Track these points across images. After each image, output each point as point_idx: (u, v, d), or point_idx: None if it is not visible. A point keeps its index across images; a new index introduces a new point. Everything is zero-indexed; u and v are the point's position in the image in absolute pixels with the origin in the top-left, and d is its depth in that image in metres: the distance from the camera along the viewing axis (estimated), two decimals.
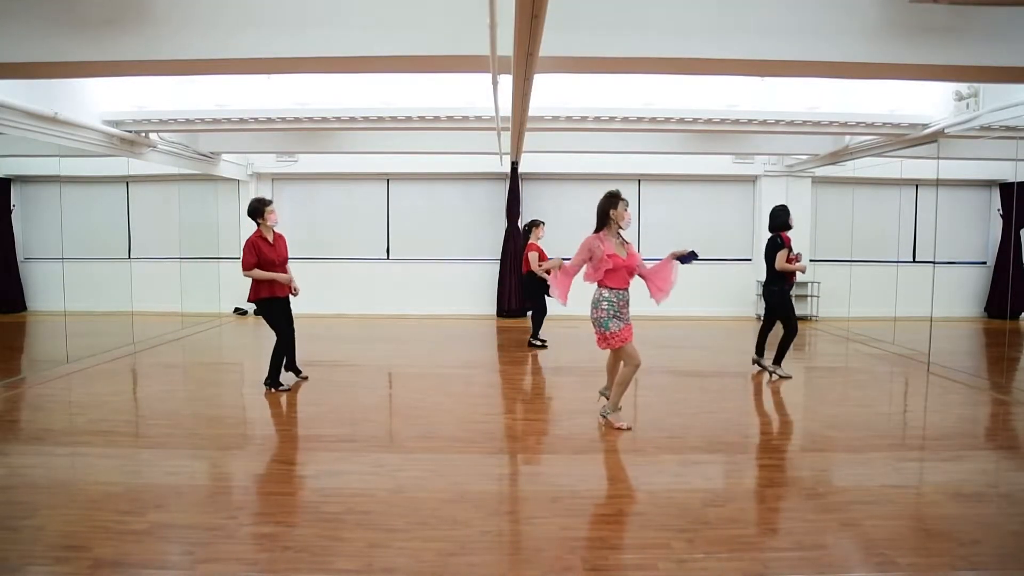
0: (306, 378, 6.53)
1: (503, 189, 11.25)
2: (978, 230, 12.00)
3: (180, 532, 3.30)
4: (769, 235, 6.78)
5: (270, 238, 6.01)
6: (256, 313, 6.12)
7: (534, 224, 8.52)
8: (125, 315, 8.14)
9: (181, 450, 4.66)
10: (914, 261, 11.26)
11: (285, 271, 6.10)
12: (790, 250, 6.54)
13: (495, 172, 10.96)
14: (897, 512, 3.56)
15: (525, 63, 3.95)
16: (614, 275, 4.86)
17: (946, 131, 7.26)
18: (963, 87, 6.77)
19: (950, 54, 4.40)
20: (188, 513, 3.53)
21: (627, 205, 4.96)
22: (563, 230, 11.78)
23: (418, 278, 11.58)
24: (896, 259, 10.62)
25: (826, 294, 11.26)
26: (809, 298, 11.51)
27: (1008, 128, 7.06)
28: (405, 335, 9.50)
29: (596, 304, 4.95)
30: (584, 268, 4.94)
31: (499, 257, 11.31)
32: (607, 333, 4.88)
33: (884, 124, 7.59)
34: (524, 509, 3.66)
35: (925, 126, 7.51)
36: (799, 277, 11.18)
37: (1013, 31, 4.35)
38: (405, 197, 11.79)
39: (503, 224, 11.21)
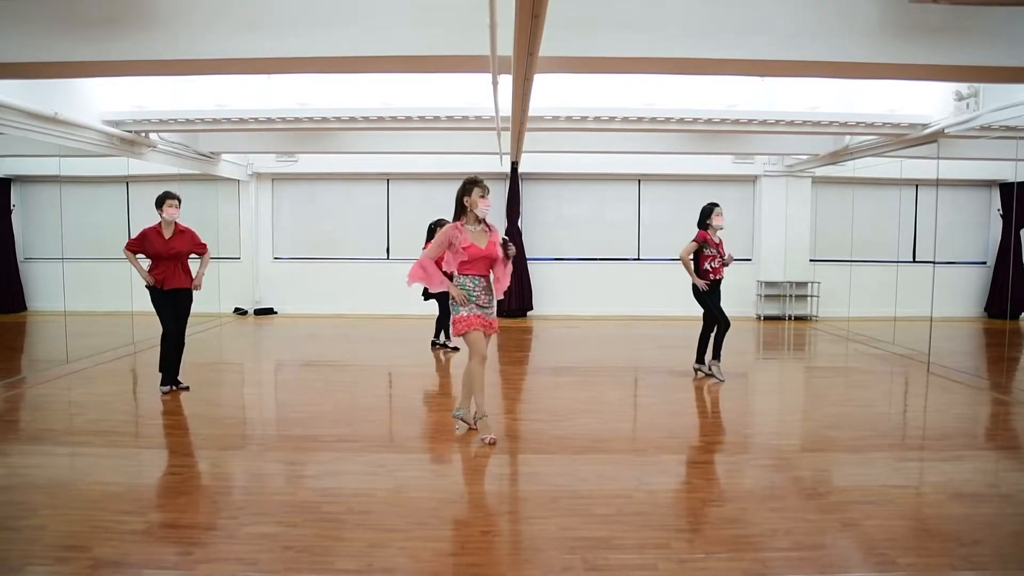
0: (186, 388, 6.00)
1: (503, 189, 11.25)
2: (978, 230, 12.00)
3: (180, 532, 3.30)
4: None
5: (167, 232, 5.80)
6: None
7: (438, 224, 7.79)
8: (125, 315, 8.14)
9: (181, 450, 4.66)
10: (914, 261, 11.26)
11: (176, 266, 5.82)
12: (703, 247, 6.40)
13: (495, 172, 10.94)
14: (897, 512, 3.56)
15: (525, 63, 3.95)
16: (472, 264, 4.57)
17: (946, 131, 7.26)
18: (963, 87, 6.76)
19: (950, 54, 4.40)
20: (188, 513, 3.53)
21: (485, 192, 4.58)
22: (563, 230, 11.85)
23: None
24: (896, 259, 10.60)
25: (826, 294, 11.26)
26: (809, 298, 11.52)
27: (1008, 128, 7.05)
28: (405, 335, 9.50)
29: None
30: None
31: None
32: (454, 317, 4.59)
33: (884, 124, 7.59)
34: (524, 509, 3.66)
35: (925, 126, 7.50)
36: (804, 276, 11.34)
37: (1013, 31, 4.35)
38: (405, 197, 11.79)
39: (503, 224, 11.21)
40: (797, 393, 6.92)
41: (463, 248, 4.52)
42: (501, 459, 4.42)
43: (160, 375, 5.95)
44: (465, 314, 4.54)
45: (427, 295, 8.01)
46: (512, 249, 4.67)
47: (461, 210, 4.62)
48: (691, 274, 6.45)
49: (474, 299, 4.57)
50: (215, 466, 4.34)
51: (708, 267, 6.42)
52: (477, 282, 4.59)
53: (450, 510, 3.57)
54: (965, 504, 3.67)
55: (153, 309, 5.89)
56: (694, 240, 6.43)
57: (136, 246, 5.82)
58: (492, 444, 4.54)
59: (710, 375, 6.57)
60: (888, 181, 10.71)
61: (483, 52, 4.16)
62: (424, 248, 7.81)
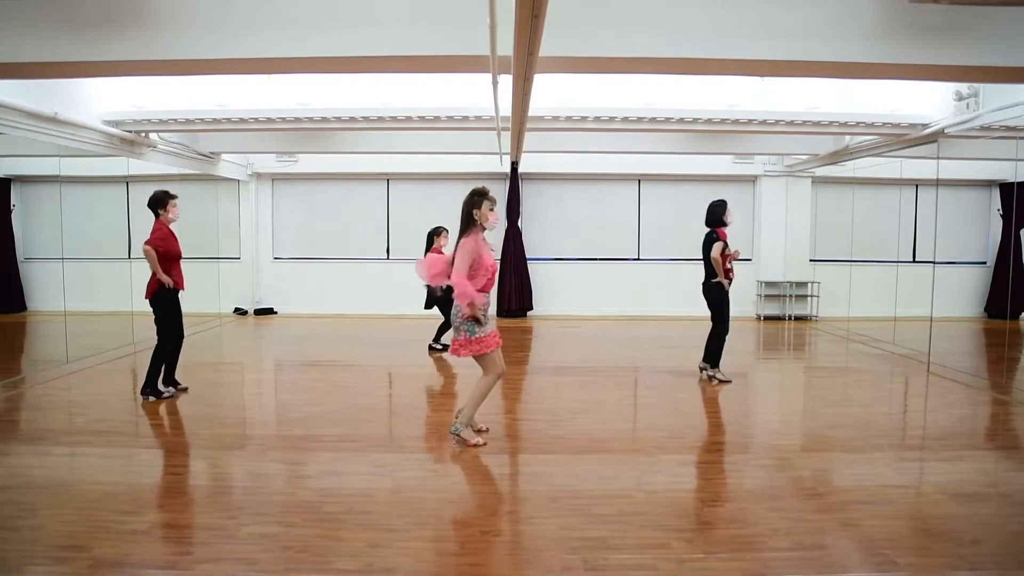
0: (185, 389, 5.97)
1: (503, 189, 11.26)
2: (978, 230, 12.01)
3: (180, 532, 3.30)
4: (706, 231, 6.48)
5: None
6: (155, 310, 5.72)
7: (437, 232, 7.84)
8: (125, 315, 8.14)
9: (181, 450, 4.66)
10: (914, 261, 11.26)
11: (179, 267, 5.81)
12: (726, 246, 6.33)
13: (495, 172, 10.96)
14: (897, 512, 3.56)
15: (525, 63, 3.95)
16: (489, 281, 4.47)
17: (946, 131, 7.26)
18: (963, 87, 6.76)
19: (950, 54, 4.40)
20: (188, 513, 3.53)
21: (493, 204, 4.48)
22: (563, 230, 11.85)
23: (418, 278, 11.61)
24: (896, 259, 10.61)
25: (826, 294, 11.27)
26: (809, 298, 11.52)
27: (1008, 128, 7.05)
28: (405, 335, 9.50)
29: (461, 308, 4.40)
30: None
31: (499, 257, 11.31)
32: (472, 339, 4.37)
33: (884, 124, 7.58)
34: (524, 509, 3.66)
35: (925, 126, 7.50)
36: (804, 276, 11.35)
37: (1013, 31, 4.35)
38: (405, 197, 11.80)
39: (503, 224, 11.21)
40: (797, 393, 6.92)
41: (488, 265, 4.43)
42: (501, 459, 4.42)
43: (147, 385, 5.76)
44: (487, 333, 4.40)
45: (429, 305, 7.94)
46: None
47: (470, 222, 4.44)
48: (720, 274, 6.29)
49: (484, 315, 4.44)
50: (215, 466, 4.34)
51: (729, 265, 6.37)
52: (486, 298, 4.50)
53: (450, 510, 3.58)
54: (965, 504, 3.67)
55: (159, 315, 5.72)
56: (719, 240, 6.29)
57: (163, 245, 5.59)
58: (485, 444, 4.55)
59: (713, 377, 6.53)
60: (888, 181, 10.72)
61: (483, 52, 4.16)
62: (432, 252, 7.84)
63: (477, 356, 4.45)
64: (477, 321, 4.35)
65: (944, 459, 4.47)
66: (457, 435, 4.57)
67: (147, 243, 5.60)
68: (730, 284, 6.40)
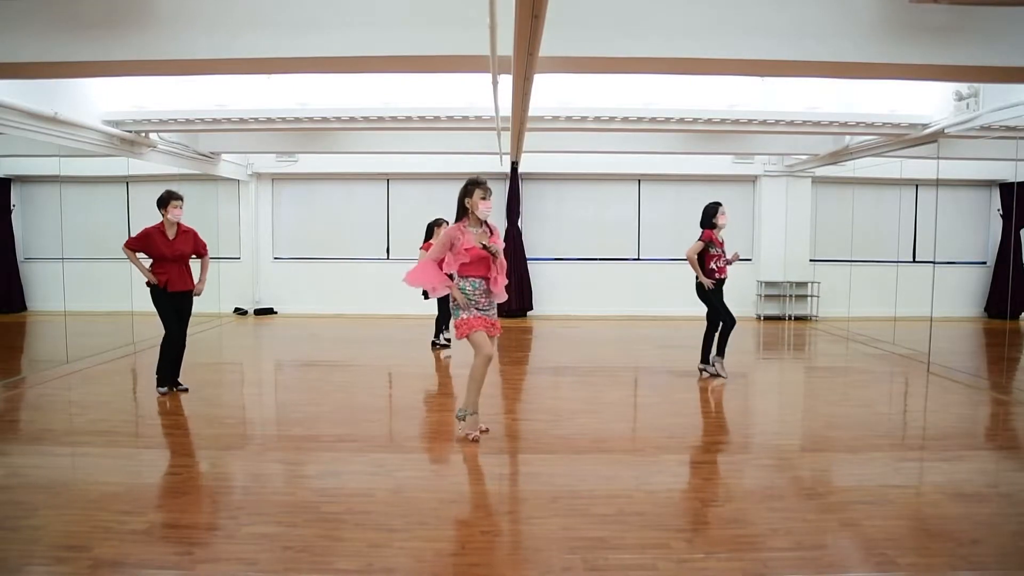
0: (185, 390, 5.93)
1: (503, 189, 11.25)
2: (978, 230, 12.00)
3: (180, 532, 3.30)
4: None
5: (170, 233, 5.74)
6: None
7: (436, 223, 7.87)
8: (125, 315, 8.14)
9: (181, 450, 4.66)
10: (914, 261, 11.26)
11: (182, 268, 5.80)
12: (708, 246, 6.39)
13: (495, 172, 10.93)
14: (897, 512, 3.56)
15: (525, 63, 3.95)
16: (472, 265, 4.54)
17: (946, 131, 7.26)
18: (963, 87, 6.76)
19: (950, 54, 4.40)
20: (188, 513, 3.53)
21: (486, 193, 4.57)
22: (563, 230, 11.85)
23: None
24: (896, 259, 10.61)
25: (826, 294, 11.26)
26: (809, 298, 11.52)
27: (1008, 128, 7.05)
28: (405, 335, 9.51)
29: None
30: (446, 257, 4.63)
31: None
32: (456, 321, 4.64)
33: (884, 124, 7.58)
34: (524, 509, 3.66)
35: (925, 126, 7.50)
36: (804, 276, 11.35)
37: (1013, 31, 4.35)
38: (405, 197, 11.80)
39: (503, 224, 11.21)
40: (797, 393, 6.92)
41: (465, 249, 4.50)
42: (501, 459, 4.42)
43: (156, 376, 5.88)
44: (466, 316, 4.56)
45: (427, 294, 7.99)
46: (494, 248, 4.56)
47: (463, 211, 4.62)
48: (698, 273, 6.43)
49: (473, 302, 4.56)
50: (215, 466, 4.33)
51: (714, 266, 6.42)
52: (477, 284, 4.58)
53: (450, 510, 3.57)
54: (965, 504, 3.67)
55: (154, 309, 5.81)
56: (700, 240, 6.43)
57: (137, 245, 5.72)
58: (475, 441, 4.58)
59: (715, 375, 6.57)
60: (888, 181, 10.72)
61: (483, 52, 4.16)
62: (422, 248, 7.93)
63: (467, 338, 4.59)
64: (460, 305, 4.57)
65: (944, 459, 4.47)
66: (462, 419, 4.65)
67: (125, 243, 5.78)
68: (717, 283, 6.45)
